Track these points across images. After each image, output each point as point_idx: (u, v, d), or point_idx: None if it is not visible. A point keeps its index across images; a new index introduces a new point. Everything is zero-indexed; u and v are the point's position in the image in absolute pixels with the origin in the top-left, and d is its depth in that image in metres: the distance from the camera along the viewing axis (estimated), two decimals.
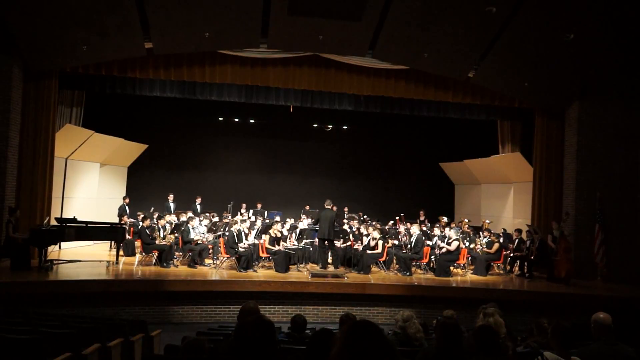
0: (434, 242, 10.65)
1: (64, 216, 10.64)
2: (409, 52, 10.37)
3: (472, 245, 11.01)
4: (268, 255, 10.02)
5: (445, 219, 12.79)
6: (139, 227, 10.16)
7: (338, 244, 10.75)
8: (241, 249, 9.68)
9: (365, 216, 13.27)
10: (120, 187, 14.05)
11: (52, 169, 10.07)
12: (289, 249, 10.15)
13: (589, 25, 9.15)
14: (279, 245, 10.06)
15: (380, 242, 10.23)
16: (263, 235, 10.54)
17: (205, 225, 11.16)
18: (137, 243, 10.45)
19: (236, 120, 15.39)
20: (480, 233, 11.37)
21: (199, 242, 10.15)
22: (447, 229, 10.96)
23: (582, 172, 10.95)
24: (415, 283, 9.45)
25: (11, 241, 8.70)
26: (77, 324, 5.39)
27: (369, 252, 10.18)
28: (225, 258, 10.01)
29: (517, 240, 10.86)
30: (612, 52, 10.05)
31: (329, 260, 10.63)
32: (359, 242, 10.85)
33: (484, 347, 2.96)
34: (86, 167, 12.45)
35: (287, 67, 10.76)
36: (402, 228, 11.60)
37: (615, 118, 10.81)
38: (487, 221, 12.36)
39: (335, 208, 11.27)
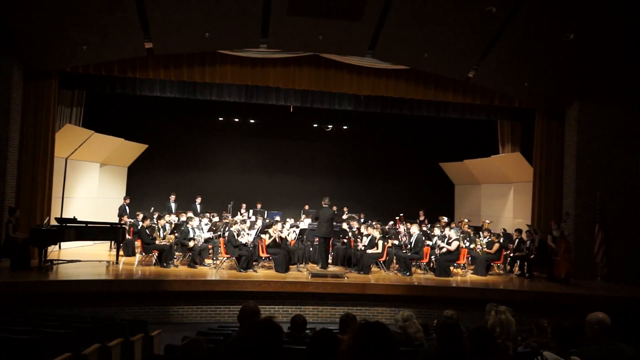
0: (434, 242, 10.64)
1: (64, 216, 10.64)
2: (409, 52, 10.37)
3: (472, 245, 11.01)
4: (268, 255, 10.02)
5: (445, 219, 12.78)
6: (139, 227, 10.16)
7: (338, 244, 10.76)
8: (241, 241, 9.69)
9: (363, 220, 13.25)
10: (120, 187, 14.05)
11: (52, 169, 10.07)
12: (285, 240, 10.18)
13: (589, 25, 9.15)
14: (279, 246, 10.05)
15: (380, 242, 10.23)
16: (262, 235, 10.53)
17: (206, 225, 11.16)
18: (137, 243, 10.44)
19: (236, 120, 15.39)
20: (480, 233, 11.36)
21: (197, 243, 10.14)
22: (447, 229, 10.95)
23: (582, 172, 10.96)
24: (415, 283, 9.45)
25: (11, 241, 8.69)
26: (77, 324, 5.39)
27: (369, 251, 10.17)
28: (225, 258, 10.01)
29: (517, 240, 10.85)
30: (612, 52, 10.05)
31: (329, 260, 10.65)
32: (359, 241, 10.84)
33: (480, 348, 2.96)
34: (86, 167, 12.45)
35: (287, 67, 10.76)
36: (402, 228, 11.60)
37: (615, 118, 10.81)
38: (487, 221, 12.35)
39: (335, 208, 11.29)
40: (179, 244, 10.20)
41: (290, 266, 10.00)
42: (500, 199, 13.98)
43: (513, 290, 9.33)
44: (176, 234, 10.36)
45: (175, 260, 10.06)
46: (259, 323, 2.44)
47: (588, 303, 8.27)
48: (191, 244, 9.99)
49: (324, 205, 10.35)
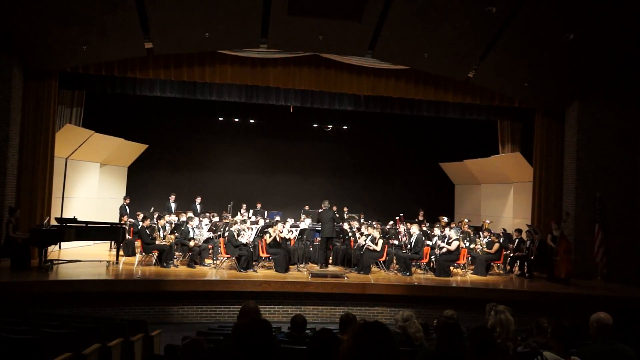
0: (434, 242, 10.64)
1: (64, 216, 10.65)
2: (409, 52, 10.36)
3: (472, 245, 11.01)
4: (268, 255, 10.02)
5: (445, 219, 12.79)
6: (139, 227, 10.16)
7: (338, 244, 10.76)
8: (242, 241, 9.69)
9: (363, 220, 13.24)
10: (120, 187, 14.05)
11: (52, 169, 10.07)
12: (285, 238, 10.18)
13: (589, 25, 9.15)
14: (279, 246, 10.04)
15: (381, 241, 10.22)
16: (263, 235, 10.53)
17: (206, 225, 11.16)
18: (137, 243, 10.44)
19: (236, 120, 15.39)
20: (480, 233, 11.36)
21: (197, 243, 10.14)
22: (447, 229, 10.95)
23: (582, 172, 10.95)
24: (415, 283, 9.45)
25: (11, 241, 8.70)
26: (77, 324, 5.39)
27: (370, 245, 10.12)
28: (225, 258, 10.01)
29: (517, 240, 10.86)
30: (613, 52, 10.05)
31: (329, 260, 10.64)
32: (359, 238, 10.81)
33: (480, 348, 2.95)
34: (86, 167, 12.45)
35: (287, 67, 10.75)
36: (402, 228, 11.60)
37: (615, 118, 10.81)
38: (487, 221, 12.35)
39: (335, 208, 11.28)
40: (179, 244, 10.21)
41: (290, 266, 10.00)
42: (500, 199, 13.98)
43: (513, 290, 9.33)
44: (176, 234, 10.36)
45: (175, 260, 10.06)
46: (246, 322, 2.48)
47: (588, 303, 8.28)
48: (191, 244, 10.00)
49: (323, 208, 10.42)
